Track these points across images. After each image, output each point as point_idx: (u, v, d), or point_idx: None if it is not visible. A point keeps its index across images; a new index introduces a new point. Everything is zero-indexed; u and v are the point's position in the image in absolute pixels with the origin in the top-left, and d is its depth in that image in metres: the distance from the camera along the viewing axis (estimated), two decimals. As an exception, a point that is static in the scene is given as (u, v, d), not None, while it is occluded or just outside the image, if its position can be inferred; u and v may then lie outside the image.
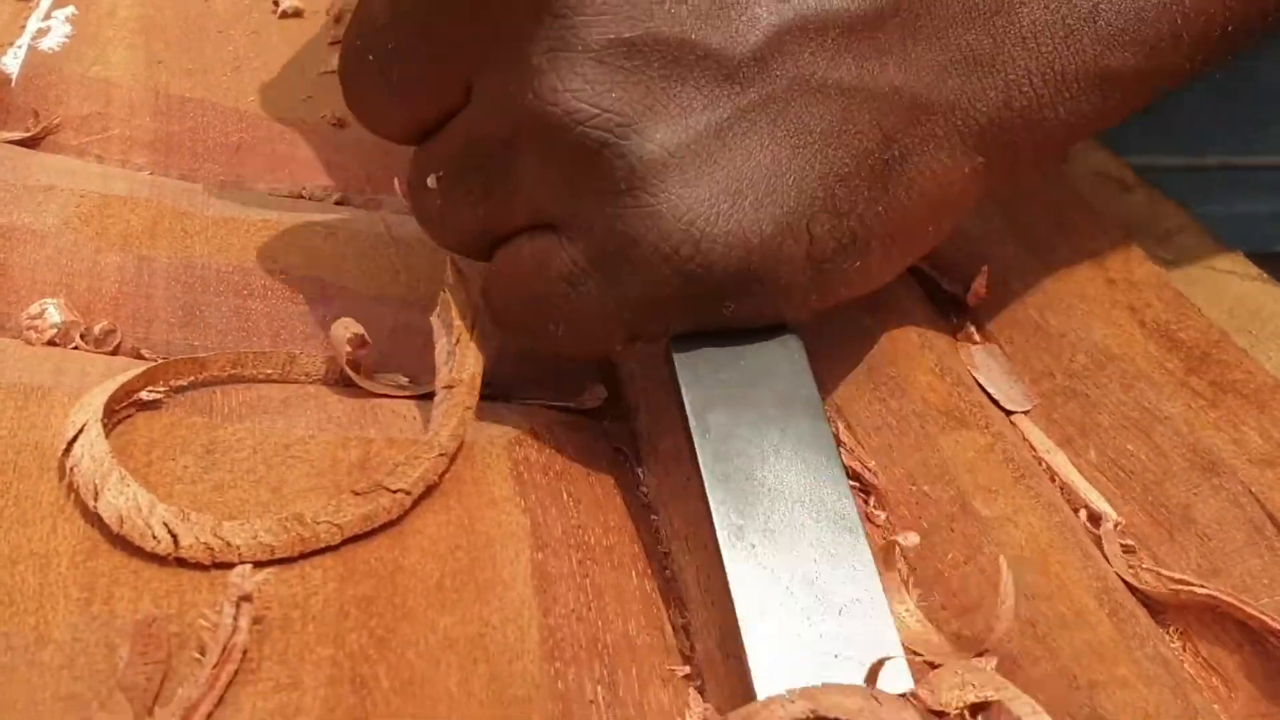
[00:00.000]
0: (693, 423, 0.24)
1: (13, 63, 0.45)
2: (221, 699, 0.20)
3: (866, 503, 0.27)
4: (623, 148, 0.23)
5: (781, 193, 0.23)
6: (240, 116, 0.42)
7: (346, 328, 0.28)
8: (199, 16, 0.50)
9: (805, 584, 0.21)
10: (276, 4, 0.51)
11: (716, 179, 0.23)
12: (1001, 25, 0.25)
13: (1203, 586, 0.25)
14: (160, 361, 0.27)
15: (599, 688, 0.21)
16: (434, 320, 0.27)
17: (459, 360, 0.26)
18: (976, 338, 0.34)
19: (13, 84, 0.44)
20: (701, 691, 0.23)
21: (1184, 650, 0.25)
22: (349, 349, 0.28)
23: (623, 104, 0.23)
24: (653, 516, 0.27)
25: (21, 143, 0.40)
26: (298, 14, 0.51)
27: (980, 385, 0.31)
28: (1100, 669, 0.22)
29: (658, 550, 0.26)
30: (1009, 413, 0.31)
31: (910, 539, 0.23)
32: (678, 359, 0.25)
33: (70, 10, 0.50)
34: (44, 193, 0.35)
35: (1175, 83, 0.29)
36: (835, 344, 0.32)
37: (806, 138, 0.24)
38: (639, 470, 0.29)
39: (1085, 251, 0.37)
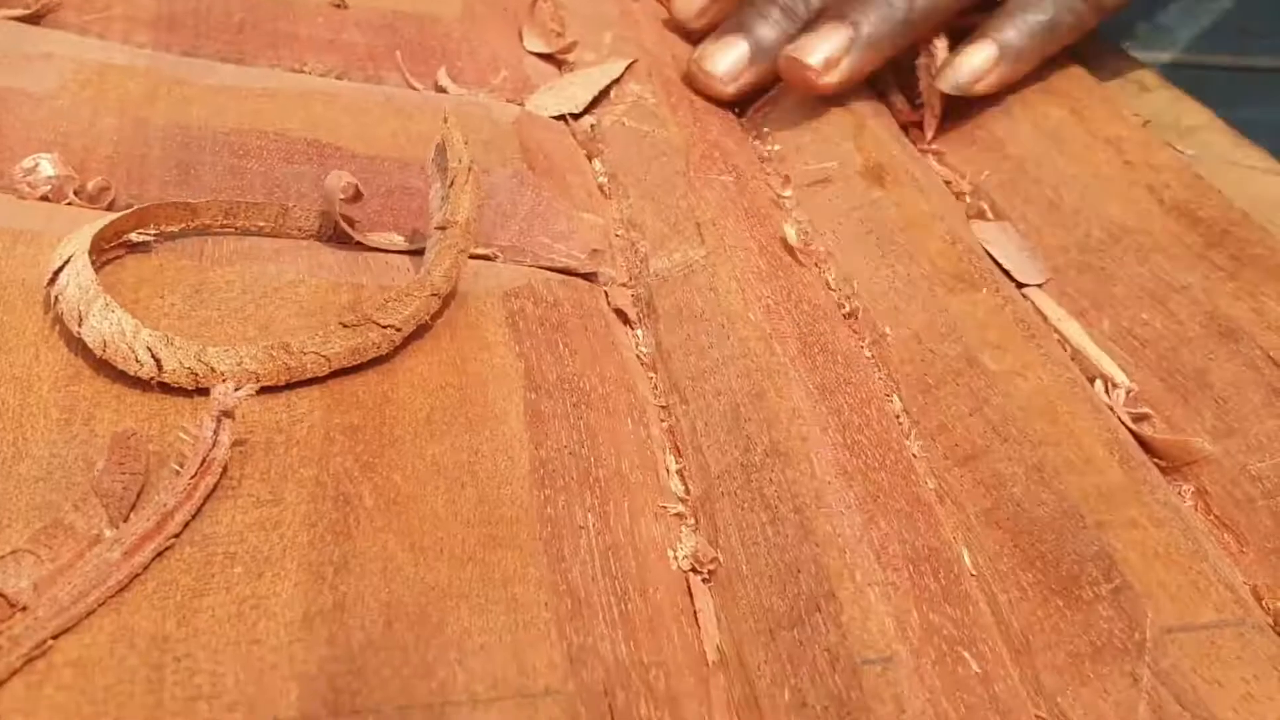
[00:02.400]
0: None
1: (13, -54, 0.44)
2: (199, 511, 0.19)
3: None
4: None
5: None
6: (242, -3, 0.41)
7: (340, 178, 0.27)
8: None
9: None
10: (282, -104, 0.49)
11: None
12: None
13: (1208, 445, 0.24)
14: (152, 204, 0.26)
15: (590, 515, 0.21)
16: (430, 164, 0.26)
17: (453, 203, 0.25)
18: (989, 215, 0.33)
19: (13, -34, 0.43)
20: (694, 530, 0.22)
21: (1196, 509, 0.24)
22: (342, 198, 0.27)
23: None
24: (650, 375, 0.26)
25: (23, 19, 0.39)
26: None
27: (992, 258, 0.30)
28: (1108, 511, 0.21)
29: (654, 404, 0.25)
30: (1021, 285, 0.30)
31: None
32: None
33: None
34: (42, 59, 0.34)
35: None
36: (843, 213, 0.31)
37: None
38: (637, 331, 0.28)
39: (1102, 137, 0.35)
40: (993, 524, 0.22)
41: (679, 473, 0.23)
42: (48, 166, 0.29)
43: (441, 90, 0.37)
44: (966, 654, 0.19)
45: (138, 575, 0.18)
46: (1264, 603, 0.21)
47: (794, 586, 0.19)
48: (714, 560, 0.21)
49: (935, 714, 0.17)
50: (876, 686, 0.18)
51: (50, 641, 0.17)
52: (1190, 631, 0.19)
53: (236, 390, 0.20)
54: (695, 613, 0.20)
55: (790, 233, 0.29)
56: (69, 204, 0.29)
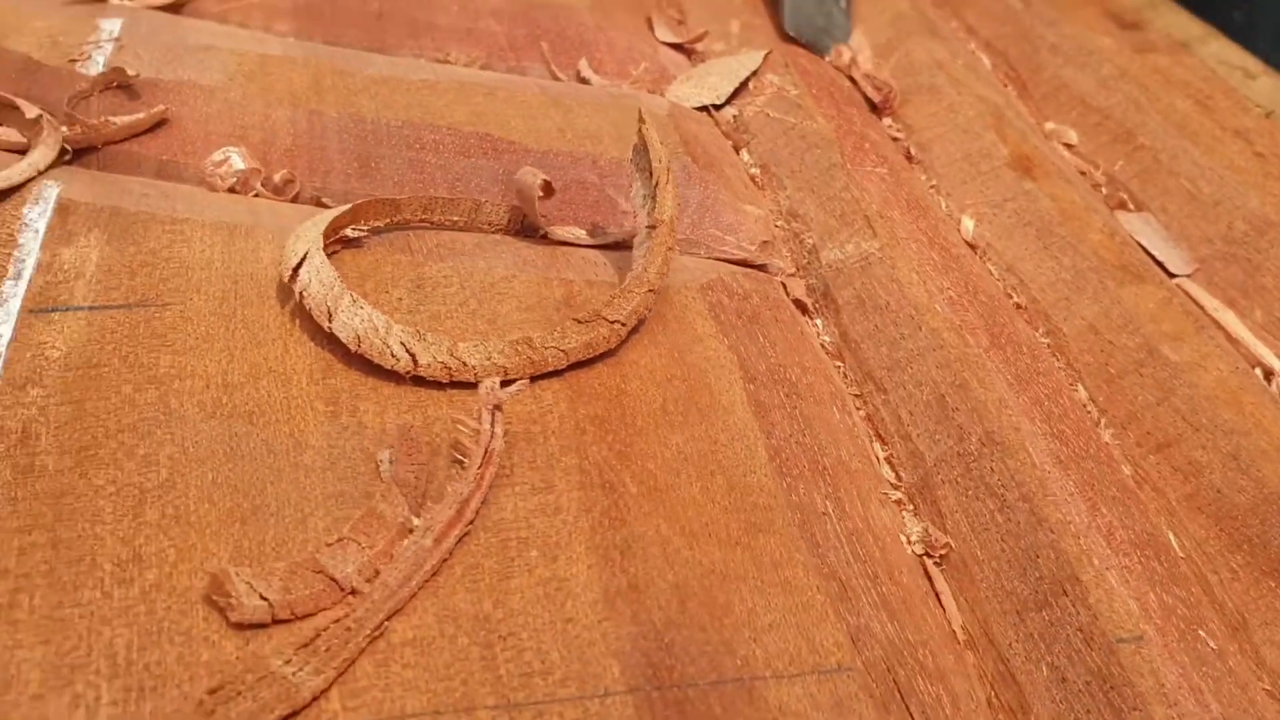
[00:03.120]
0: None
1: (137, -68, 0.45)
2: (487, 499, 0.20)
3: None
4: None
5: None
6: (376, -14, 0.41)
7: (535, 175, 0.28)
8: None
9: None
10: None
11: None
12: None
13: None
14: (366, 200, 0.27)
15: (828, 502, 0.22)
16: (629, 164, 0.27)
17: (659, 202, 0.26)
18: (1131, 206, 0.34)
19: (141, -47, 0.43)
20: (915, 515, 0.23)
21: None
22: (540, 194, 0.27)
23: None
24: (836, 363, 0.28)
25: (165, 8, 0.40)
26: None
27: (1143, 248, 0.31)
28: (1310, 496, 0.23)
29: (847, 391, 0.27)
30: (1172, 275, 0.31)
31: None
32: None
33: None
34: (204, 51, 0.35)
35: None
36: (996, 204, 0.32)
37: None
38: (816, 321, 0.29)
39: (1230, 128, 0.36)
40: (1195, 509, 0.23)
41: (887, 460, 0.25)
42: (238, 160, 0.30)
43: (584, 81, 0.38)
44: (1202, 632, 0.20)
45: (446, 560, 0.19)
46: None
47: (1034, 571, 0.21)
48: (945, 545, 0.22)
49: (1189, 688, 0.19)
50: (1135, 663, 0.19)
51: (386, 623, 0.18)
52: None
53: (502, 385, 0.21)
54: (937, 595, 0.21)
55: (968, 225, 0.30)
56: (255, 195, 0.30)
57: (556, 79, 0.38)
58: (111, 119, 0.31)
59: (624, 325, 0.24)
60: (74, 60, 0.35)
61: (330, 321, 0.23)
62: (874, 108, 0.35)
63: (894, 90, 0.34)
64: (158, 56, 0.34)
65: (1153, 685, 0.19)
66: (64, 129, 0.31)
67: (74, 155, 0.31)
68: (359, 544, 0.19)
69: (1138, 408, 0.25)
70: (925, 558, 0.22)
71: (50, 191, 0.28)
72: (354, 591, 0.18)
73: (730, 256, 0.30)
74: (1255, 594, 0.21)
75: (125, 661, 0.17)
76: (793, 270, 0.31)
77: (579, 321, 0.24)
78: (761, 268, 0.30)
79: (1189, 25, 0.50)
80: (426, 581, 0.19)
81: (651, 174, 0.26)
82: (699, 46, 0.40)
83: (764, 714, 0.17)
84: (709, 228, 0.31)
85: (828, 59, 0.39)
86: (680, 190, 0.31)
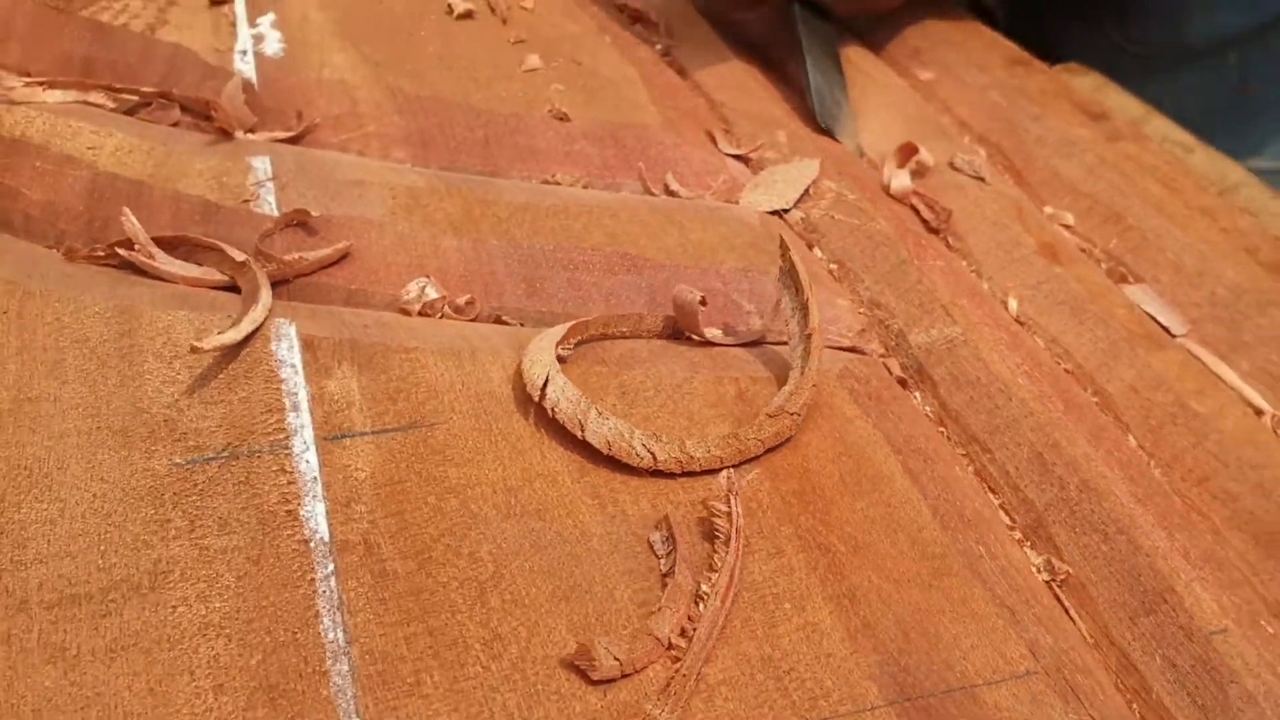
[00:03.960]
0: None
1: (246, 68, 0.49)
2: (742, 566, 0.26)
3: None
4: None
5: None
6: (476, 113, 0.47)
7: (691, 291, 0.34)
8: (385, 17, 0.55)
9: None
10: (451, 8, 0.55)
11: None
12: None
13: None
14: (573, 322, 0.32)
15: (979, 546, 0.28)
16: (778, 283, 0.33)
17: (809, 313, 0.32)
18: (1130, 279, 0.41)
19: (256, 88, 0.48)
20: (1033, 549, 0.30)
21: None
22: (700, 309, 0.34)
23: None
24: (939, 429, 0.34)
25: (288, 141, 0.45)
26: (469, 15, 0.55)
27: (1151, 316, 0.39)
28: (1319, 513, 0.30)
29: (956, 451, 0.33)
30: (1174, 336, 0.39)
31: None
32: (799, 10, 0.51)
33: (271, 16, 0.54)
34: (357, 186, 0.40)
35: None
36: (1032, 286, 0.39)
37: None
38: (915, 395, 0.36)
39: (1196, 208, 0.44)
40: (1235, 528, 0.30)
41: (1001, 506, 0.31)
42: (432, 290, 0.36)
43: (673, 194, 0.44)
44: (1262, 620, 0.27)
45: (730, 617, 0.25)
46: None
47: (1139, 586, 0.28)
48: (1065, 571, 0.29)
49: (1265, 663, 0.26)
50: (1225, 648, 0.26)
51: (703, 670, 0.24)
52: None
53: (735, 474, 0.27)
54: (1067, 610, 0.28)
55: (1013, 305, 0.37)
56: (441, 316, 0.36)
57: (651, 194, 0.44)
58: (303, 255, 0.36)
59: (800, 416, 0.30)
60: (246, 200, 0.40)
61: (583, 431, 0.29)
62: (930, 229, 0.42)
63: (949, 212, 0.41)
64: (320, 193, 0.39)
65: (1241, 664, 0.26)
66: (269, 266, 0.36)
67: (273, 287, 0.35)
68: (672, 609, 0.24)
69: (1178, 451, 0.33)
70: (1051, 583, 0.29)
71: (288, 329, 0.33)
72: (671, 646, 0.24)
73: (838, 344, 0.37)
74: (1291, 590, 0.29)
75: (522, 718, 0.23)
76: (884, 352, 0.37)
77: (770, 416, 0.30)
78: (863, 352, 0.37)
79: (1132, 106, 0.59)
80: (721, 634, 0.25)
81: (799, 291, 0.33)
82: (754, 155, 0.47)
83: (987, 712, 0.24)
84: (824, 321, 0.37)
85: (864, 160, 0.46)
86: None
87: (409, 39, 0.53)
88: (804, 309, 0.32)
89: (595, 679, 0.23)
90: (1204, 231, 0.43)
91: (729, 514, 0.27)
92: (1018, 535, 0.30)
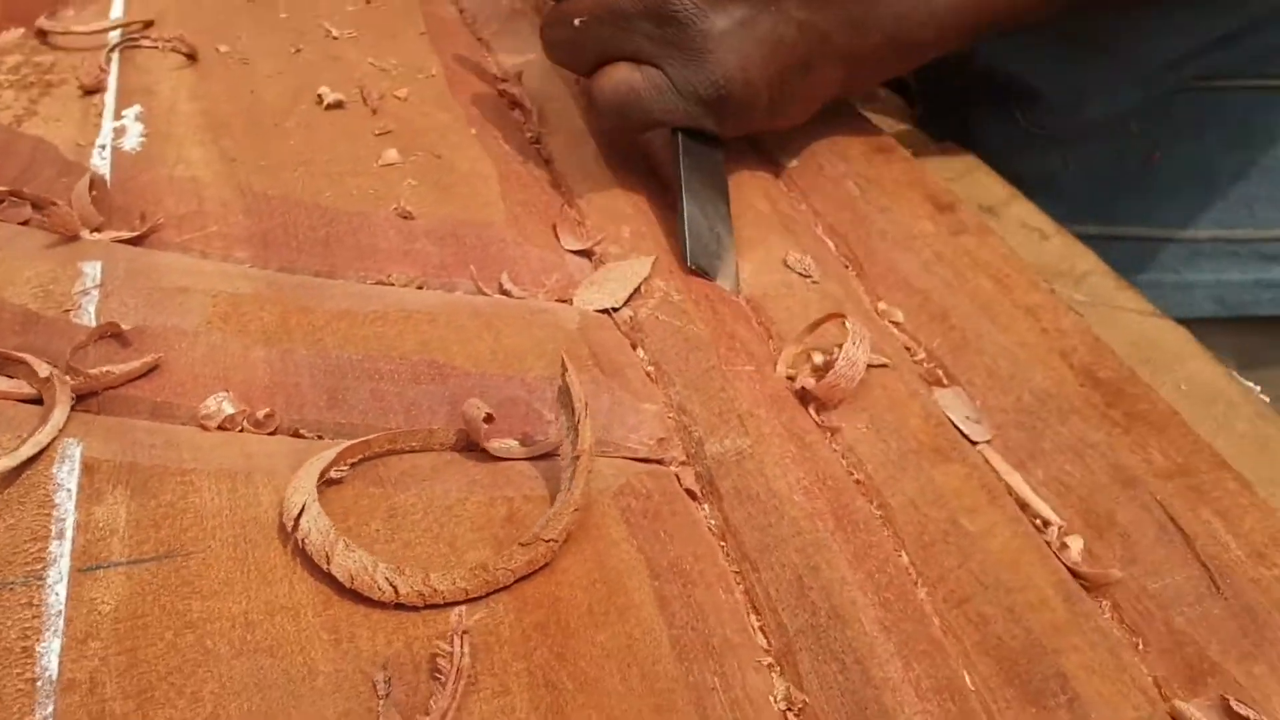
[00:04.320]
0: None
1: (102, 163, 0.50)
2: (460, 706, 0.26)
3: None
4: (702, 24, 0.45)
5: (768, 67, 0.46)
6: (322, 212, 0.47)
7: (478, 408, 0.34)
8: (252, 109, 0.56)
9: None
10: (320, 98, 0.56)
11: (743, 51, 0.45)
12: (870, 9, 0.48)
13: (1119, 572, 0.33)
14: (344, 445, 0.33)
15: (715, 678, 0.29)
16: (557, 402, 0.34)
17: (580, 434, 0.33)
18: (945, 382, 0.42)
19: (108, 184, 0.49)
20: (781, 675, 0.30)
21: (1114, 619, 0.33)
22: (485, 425, 0.34)
23: (704, 4, 0.45)
24: (720, 543, 0.35)
25: (130, 241, 0.45)
26: (340, 105, 0.56)
27: (952, 422, 0.39)
28: (1060, 640, 0.31)
29: (729, 569, 0.34)
30: (974, 443, 0.39)
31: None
32: (681, 137, 0.48)
33: (137, 108, 0.55)
34: (180, 294, 0.41)
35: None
36: (843, 390, 0.40)
37: (780, 42, 0.46)
38: (705, 506, 0.36)
39: (1023, 307, 0.45)
40: (983, 653, 0.31)
41: (760, 628, 0.32)
42: (228, 405, 0.36)
43: (506, 293, 0.44)
44: (984, 757, 0.27)
45: (435, 762, 0.25)
46: (1162, 690, 0.31)
47: (862, 718, 0.28)
48: (803, 702, 0.29)
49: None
50: (933, 790, 0.26)
51: (395, 818, 0.24)
52: (1123, 728, 0.28)
53: (465, 611, 0.28)
54: (798, 742, 0.28)
55: (812, 411, 0.38)
56: (241, 430, 0.36)
57: (484, 294, 0.44)
58: (110, 369, 0.37)
59: (556, 542, 0.31)
60: (67, 310, 0.40)
61: (329, 564, 0.29)
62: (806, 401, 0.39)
63: (839, 386, 0.38)
64: (140, 302, 0.40)
65: (946, 806, 0.26)
66: (69, 379, 0.36)
67: (77, 400, 0.36)
68: (371, 758, 0.25)
69: (944, 570, 0.33)
70: (787, 713, 0.29)
71: (73, 450, 0.33)
72: (370, 795, 0.24)
73: (634, 455, 0.37)
74: (1022, 719, 0.29)
75: None
76: (684, 459, 0.38)
77: (523, 545, 0.30)
78: (660, 461, 0.37)
79: (996, 189, 0.60)
80: (422, 781, 0.25)
81: (574, 412, 0.33)
82: (598, 250, 0.48)
83: None
84: (616, 429, 0.38)
85: (730, 293, 0.45)
86: (592, 400, 0.38)
87: (272, 131, 0.54)
88: (575, 430, 0.33)
89: (282, 832, 0.23)
90: (1024, 333, 0.43)
91: (451, 654, 0.27)
92: (769, 660, 0.31)
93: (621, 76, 0.46)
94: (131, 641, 0.27)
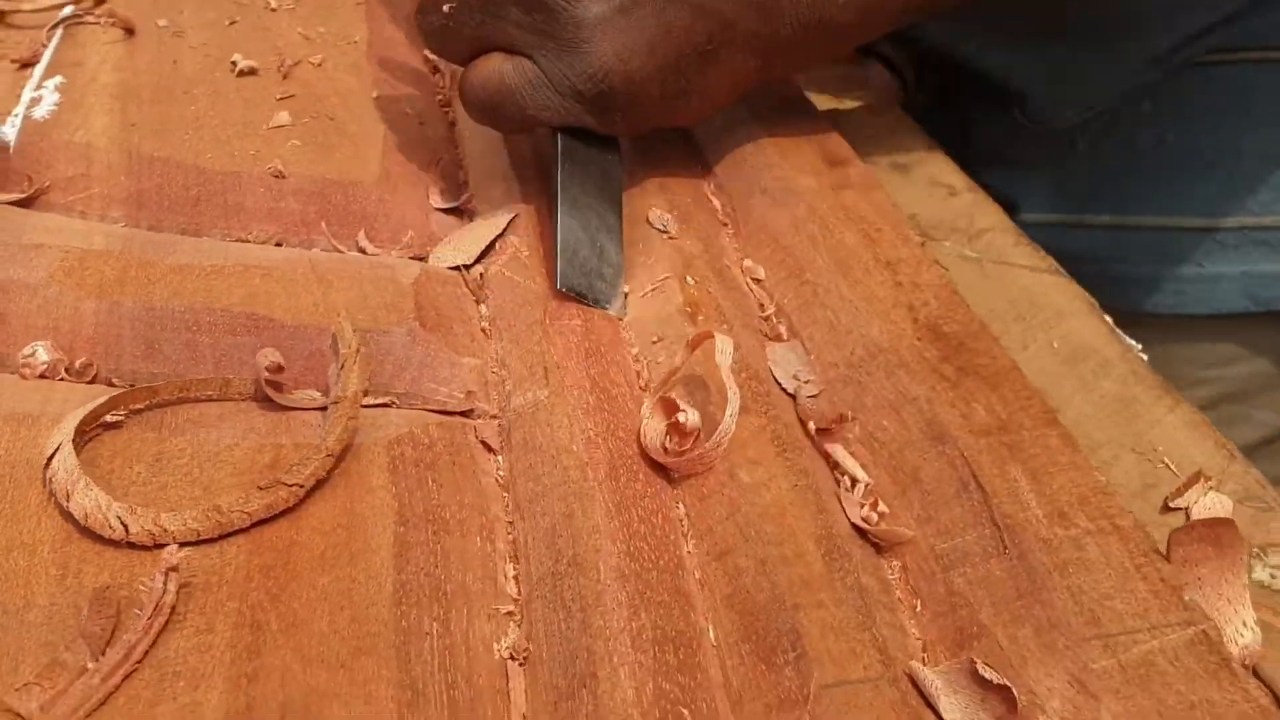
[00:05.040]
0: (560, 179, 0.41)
1: (10, 131, 0.51)
2: (155, 643, 0.26)
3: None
4: (574, 11, 0.38)
5: (655, 56, 0.40)
6: (199, 173, 0.48)
7: (267, 356, 0.34)
8: (168, 78, 0.56)
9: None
10: (234, 65, 0.57)
11: (622, 39, 0.39)
12: None
13: (910, 531, 0.31)
14: (121, 391, 0.33)
15: (435, 624, 0.28)
16: (329, 349, 0.33)
17: (344, 381, 0.32)
18: (785, 336, 0.40)
19: (10, 151, 0.50)
20: (519, 625, 0.29)
21: (902, 578, 0.31)
22: (268, 374, 0.34)
23: None
24: (504, 494, 0.34)
25: (18, 203, 0.46)
26: (253, 72, 0.57)
27: (774, 376, 0.37)
28: (805, 595, 0.29)
29: (504, 520, 0.33)
30: (793, 397, 0.37)
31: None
32: (561, 139, 0.42)
33: (59, 79, 0.56)
34: (35, 250, 0.41)
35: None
36: (665, 343, 0.38)
37: (670, 29, 0.39)
38: (499, 458, 0.35)
39: (883, 260, 0.42)
40: (730, 607, 0.29)
41: (514, 578, 0.31)
42: (43, 353, 0.36)
43: (361, 251, 0.44)
44: (685, 710, 0.26)
45: (112, 694, 0.25)
46: (926, 654, 0.29)
47: (572, 668, 0.27)
48: (526, 650, 0.28)
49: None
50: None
51: (53, 746, 0.24)
52: (841, 686, 0.26)
53: (179, 552, 0.27)
54: (509, 692, 0.27)
55: (632, 371, 0.37)
56: (61, 379, 0.37)
57: (338, 250, 0.44)
58: (-50, 319, 0.38)
59: (301, 487, 0.30)
60: (-72, 263, 0.41)
61: (68, 501, 0.29)
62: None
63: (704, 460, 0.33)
64: None
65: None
66: (-92, 330, 0.37)
67: (-80, 350, 0.37)
68: (41, 687, 0.25)
69: (713, 522, 0.31)
70: (510, 660, 0.28)
71: (-112, 395, 0.34)
72: (36, 722, 0.24)
73: (443, 407, 0.36)
74: (753, 676, 0.27)
75: None
76: (495, 412, 0.37)
77: (261, 488, 0.30)
78: (466, 414, 0.36)
79: (914, 145, 0.56)
80: (93, 712, 0.25)
81: (342, 364, 0.32)
82: (469, 208, 0.47)
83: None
84: (426, 382, 0.37)
85: (607, 310, 0.40)
86: (405, 352, 0.37)
87: (180, 99, 0.54)
88: (339, 375, 0.32)
89: (-59, 754, 0.23)
90: (876, 286, 0.41)
91: (152, 590, 0.27)
92: (510, 609, 0.29)
93: (491, 69, 0.40)
94: None
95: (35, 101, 0.54)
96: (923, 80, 0.66)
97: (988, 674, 0.26)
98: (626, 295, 0.41)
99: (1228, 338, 0.57)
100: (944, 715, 0.26)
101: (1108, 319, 0.43)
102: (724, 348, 0.34)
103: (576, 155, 0.42)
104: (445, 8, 0.40)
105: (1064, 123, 0.58)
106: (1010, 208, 0.58)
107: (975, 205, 0.51)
